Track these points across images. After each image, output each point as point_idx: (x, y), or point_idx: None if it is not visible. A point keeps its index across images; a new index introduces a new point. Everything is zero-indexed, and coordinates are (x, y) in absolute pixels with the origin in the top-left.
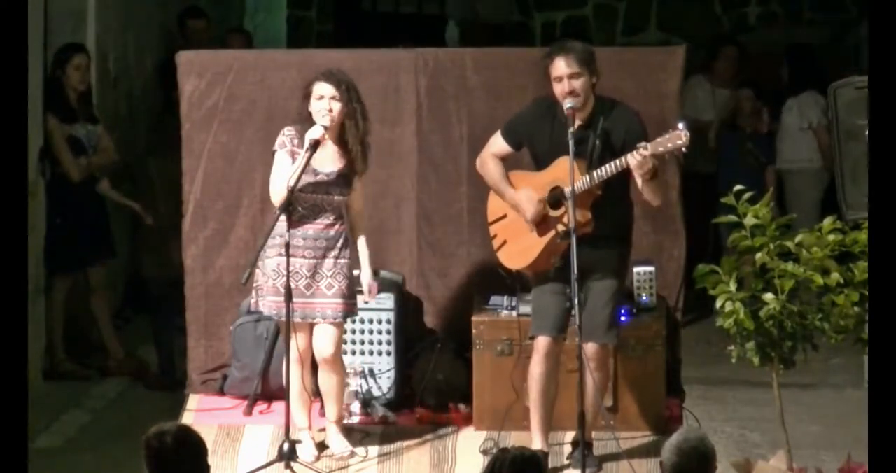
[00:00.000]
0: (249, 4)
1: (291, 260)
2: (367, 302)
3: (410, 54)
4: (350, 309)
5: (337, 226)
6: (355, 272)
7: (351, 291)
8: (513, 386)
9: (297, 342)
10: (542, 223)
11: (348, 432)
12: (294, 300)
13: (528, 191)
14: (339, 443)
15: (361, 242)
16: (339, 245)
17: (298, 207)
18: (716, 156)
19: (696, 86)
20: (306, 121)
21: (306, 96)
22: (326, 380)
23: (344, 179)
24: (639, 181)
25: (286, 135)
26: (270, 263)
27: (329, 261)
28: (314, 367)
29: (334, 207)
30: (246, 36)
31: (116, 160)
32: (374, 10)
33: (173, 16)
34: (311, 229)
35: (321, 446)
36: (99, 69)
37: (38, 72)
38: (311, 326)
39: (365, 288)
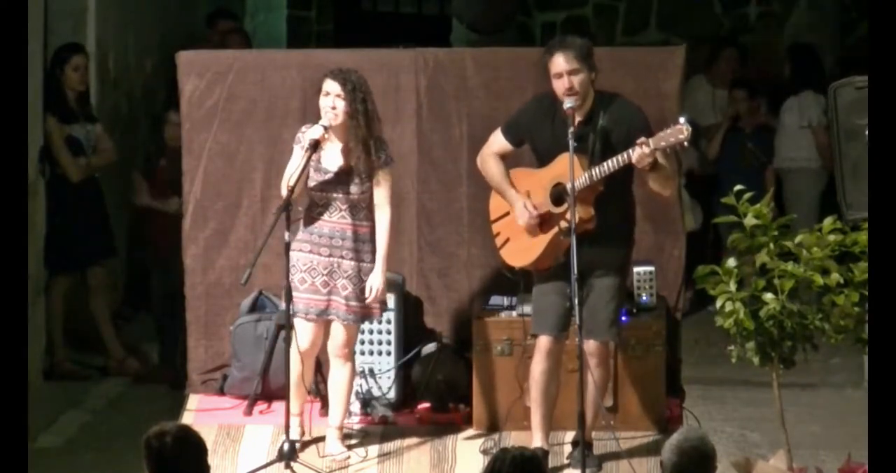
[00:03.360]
0: (249, 4)
1: (309, 256)
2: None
3: (410, 54)
4: (366, 313)
5: (354, 226)
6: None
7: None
8: (518, 384)
9: (307, 337)
10: (544, 220)
11: (348, 435)
12: (310, 296)
13: (526, 200)
14: (337, 447)
15: (378, 240)
16: (358, 246)
17: (316, 204)
18: (716, 156)
19: (697, 88)
20: (318, 116)
21: (317, 92)
22: (335, 379)
23: (347, 177)
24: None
25: (301, 131)
26: (290, 258)
27: (348, 262)
28: (317, 366)
29: (349, 205)
30: (244, 36)
31: (115, 161)
32: (374, 10)
33: (174, 16)
34: (325, 227)
35: (318, 444)
36: (99, 69)
37: (38, 72)
38: (327, 323)
39: (367, 286)
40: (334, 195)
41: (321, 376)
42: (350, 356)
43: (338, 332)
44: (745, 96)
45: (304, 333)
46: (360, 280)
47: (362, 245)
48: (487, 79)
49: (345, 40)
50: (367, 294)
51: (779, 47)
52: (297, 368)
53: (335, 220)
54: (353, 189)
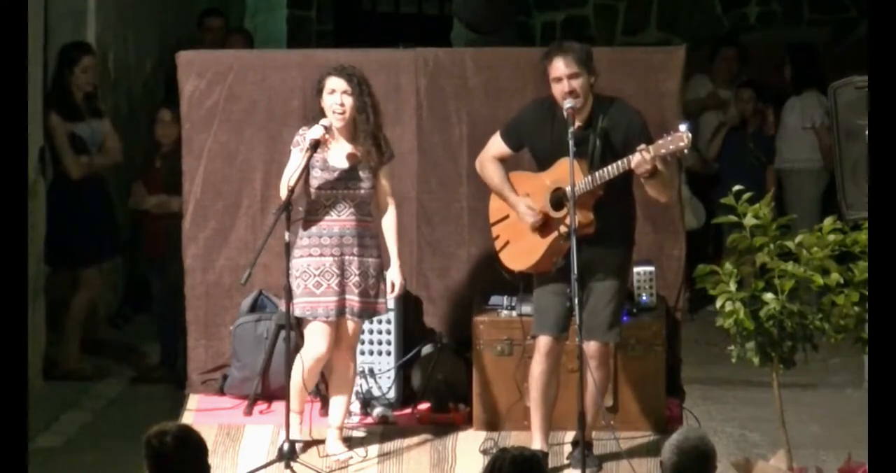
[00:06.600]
0: (249, 4)
1: (321, 259)
2: (391, 299)
3: (410, 54)
4: (373, 309)
5: (362, 222)
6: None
7: (377, 290)
8: (516, 385)
9: (325, 340)
10: (544, 224)
11: (347, 438)
12: (326, 299)
13: (527, 200)
14: (338, 447)
15: (388, 237)
16: (364, 242)
17: (322, 204)
18: (717, 156)
19: (699, 87)
20: (319, 115)
21: (319, 91)
22: (338, 379)
23: (355, 173)
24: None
25: (300, 134)
26: (299, 264)
27: (356, 259)
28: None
29: (356, 202)
30: (246, 36)
31: (121, 161)
32: (374, 10)
33: (173, 16)
34: (336, 226)
35: (318, 444)
36: (99, 69)
37: (39, 71)
38: (340, 324)
39: (388, 284)
40: (343, 192)
41: (321, 376)
42: (354, 355)
43: (345, 329)
44: (751, 96)
45: (322, 336)
46: (367, 276)
47: (368, 240)
48: (487, 80)
49: (345, 40)
50: (389, 290)
51: (779, 47)
52: (300, 369)
53: (344, 218)
54: (363, 185)
